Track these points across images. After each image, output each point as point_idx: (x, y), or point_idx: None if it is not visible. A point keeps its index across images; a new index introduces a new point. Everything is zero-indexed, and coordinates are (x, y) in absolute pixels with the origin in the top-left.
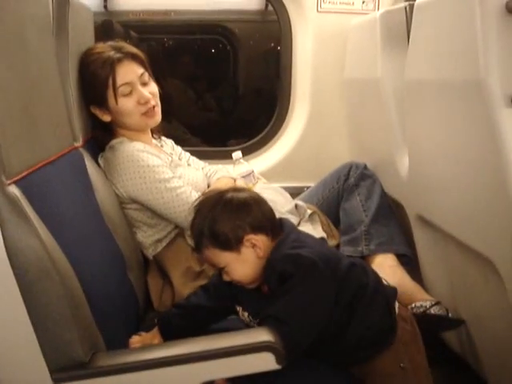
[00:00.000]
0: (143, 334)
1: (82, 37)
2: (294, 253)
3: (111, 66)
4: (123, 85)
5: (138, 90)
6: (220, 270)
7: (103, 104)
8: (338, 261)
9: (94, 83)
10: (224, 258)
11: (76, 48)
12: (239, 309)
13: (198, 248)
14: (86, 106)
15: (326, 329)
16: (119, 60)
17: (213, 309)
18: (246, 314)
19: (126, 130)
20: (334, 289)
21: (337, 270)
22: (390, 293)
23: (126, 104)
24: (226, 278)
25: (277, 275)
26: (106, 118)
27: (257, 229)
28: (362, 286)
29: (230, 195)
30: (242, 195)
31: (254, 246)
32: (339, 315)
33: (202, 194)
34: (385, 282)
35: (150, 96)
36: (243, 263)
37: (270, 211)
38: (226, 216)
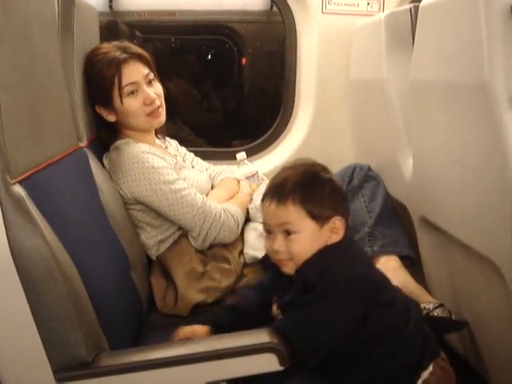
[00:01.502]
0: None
1: (87, 37)
2: (325, 269)
3: (117, 65)
4: (129, 85)
5: (143, 90)
6: (278, 236)
7: (108, 104)
8: (380, 290)
9: (100, 83)
10: (303, 223)
11: (81, 48)
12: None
13: (281, 197)
14: (91, 106)
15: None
16: (125, 60)
17: (263, 304)
18: (275, 307)
19: (130, 130)
20: (355, 314)
21: (371, 299)
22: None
23: (132, 104)
24: (279, 245)
25: (303, 280)
26: (111, 118)
27: (345, 215)
28: (392, 327)
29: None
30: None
31: (333, 229)
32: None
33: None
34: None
35: (155, 96)
36: (314, 239)
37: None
38: (333, 188)
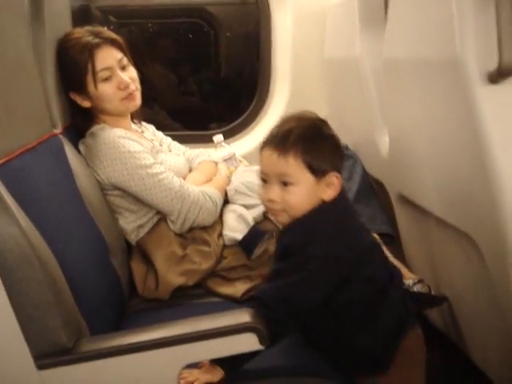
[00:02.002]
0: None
1: (58, 23)
2: (306, 241)
3: (90, 51)
4: (102, 70)
5: (117, 75)
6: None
7: (83, 90)
8: (360, 265)
9: (73, 69)
10: (302, 176)
11: (53, 34)
12: None
13: (284, 149)
14: (64, 93)
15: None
16: (98, 45)
17: None
18: None
19: (106, 115)
20: (331, 285)
21: (349, 272)
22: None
23: (106, 90)
24: (276, 196)
25: (283, 246)
26: (86, 103)
27: (339, 171)
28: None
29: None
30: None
31: (329, 184)
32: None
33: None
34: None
35: (129, 81)
36: (310, 193)
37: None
38: (330, 145)
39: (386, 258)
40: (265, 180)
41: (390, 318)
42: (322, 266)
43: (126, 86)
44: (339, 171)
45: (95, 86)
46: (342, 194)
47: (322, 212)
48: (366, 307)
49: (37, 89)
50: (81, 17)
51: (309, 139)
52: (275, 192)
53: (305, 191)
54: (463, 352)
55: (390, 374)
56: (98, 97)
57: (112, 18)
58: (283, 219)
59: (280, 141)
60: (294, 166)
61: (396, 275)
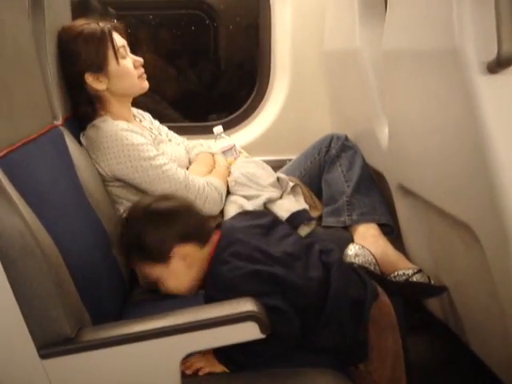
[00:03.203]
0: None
1: (58, 15)
2: (221, 278)
3: (108, 30)
4: (121, 47)
5: (129, 54)
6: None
7: (102, 68)
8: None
9: (91, 49)
10: (155, 270)
11: (53, 26)
12: None
13: (129, 262)
14: (65, 82)
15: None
16: (109, 28)
17: None
18: None
19: (115, 100)
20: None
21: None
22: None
23: (127, 64)
24: (161, 290)
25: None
26: (101, 85)
27: (185, 239)
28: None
29: (155, 205)
30: (167, 204)
31: (183, 257)
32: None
33: (132, 204)
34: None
35: (141, 59)
36: (175, 275)
37: (199, 218)
38: (152, 227)
39: (311, 251)
40: None
41: (343, 305)
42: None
43: (140, 64)
44: (183, 233)
45: (117, 62)
46: (222, 234)
47: (216, 264)
48: (310, 310)
49: (37, 80)
50: (80, 9)
51: (135, 240)
52: (161, 289)
53: (169, 278)
54: (463, 341)
55: None
56: (118, 73)
57: (111, 10)
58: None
59: (125, 256)
60: (143, 269)
61: (333, 263)
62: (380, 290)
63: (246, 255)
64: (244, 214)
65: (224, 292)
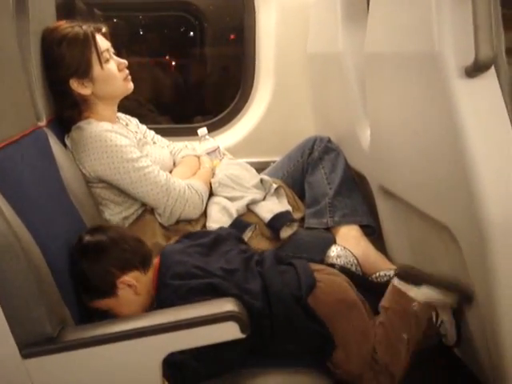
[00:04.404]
0: None
1: (43, 15)
2: (167, 302)
3: (92, 34)
4: (104, 51)
5: (114, 57)
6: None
7: (86, 74)
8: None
9: (76, 54)
10: (106, 304)
11: (37, 27)
12: None
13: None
14: (49, 85)
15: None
16: (94, 31)
17: None
18: None
19: (100, 103)
20: None
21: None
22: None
23: (111, 68)
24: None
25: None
26: (86, 90)
27: (125, 268)
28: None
29: (85, 241)
30: (99, 238)
31: (129, 286)
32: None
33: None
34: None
35: (126, 62)
36: (126, 304)
37: (134, 244)
38: (89, 266)
39: (249, 264)
40: None
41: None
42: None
43: (124, 67)
44: (122, 263)
45: (101, 67)
46: (161, 259)
47: (160, 288)
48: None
49: (21, 81)
50: (65, 10)
51: (80, 286)
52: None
53: (121, 308)
54: (442, 340)
55: None
56: (103, 78)
57: (97, 11)
58: None
59: None
60: (98, 306)
61: (266, 271)
62: (318, 277)
63: (185, 273)
64: (186, 236)
65: None
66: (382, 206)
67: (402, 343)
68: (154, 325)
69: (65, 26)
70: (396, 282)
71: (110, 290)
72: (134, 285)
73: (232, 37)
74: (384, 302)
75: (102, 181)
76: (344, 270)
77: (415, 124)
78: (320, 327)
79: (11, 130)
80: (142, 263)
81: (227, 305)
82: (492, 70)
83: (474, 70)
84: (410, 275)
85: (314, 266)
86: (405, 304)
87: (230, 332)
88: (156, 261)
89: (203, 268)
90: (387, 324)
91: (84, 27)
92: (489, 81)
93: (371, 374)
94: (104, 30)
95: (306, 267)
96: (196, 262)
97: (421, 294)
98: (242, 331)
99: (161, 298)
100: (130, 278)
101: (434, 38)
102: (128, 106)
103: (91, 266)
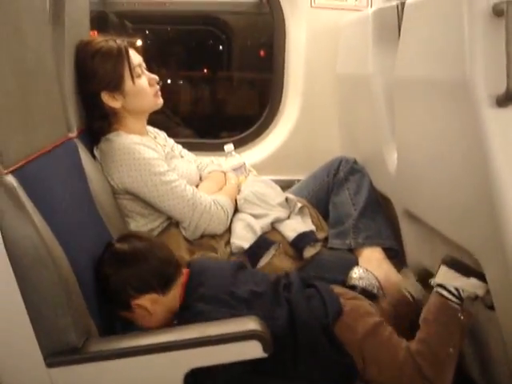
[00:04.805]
0: None
1: (77, 27)
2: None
3: (125, 49)
4: (136, 66)
5: (145, 72)
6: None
7: (118, 88)
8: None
9: (109, 68)
10: (125, 315)
11: (72, 39)
12: None
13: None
14: (81, 97)
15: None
16: (127, 45)
17: None
18: None
19: (129, 116)
20: None
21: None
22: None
23: (142, 84)
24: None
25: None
26: (117, 103)
27: (142, 290)
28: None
29: (112, 249)
30: (124, 248)
31: (143, 307)
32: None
33: None
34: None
35: (157, 77)
36: (142, 319)
37: (160, 264)
38: (109, 276)
39: (277, 288)
40: None
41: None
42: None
43: (155, 82)
44: (140, 284)
45: (133, 82)
46: (190, 276)
47: (184, 309)
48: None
49: (55, 92)
50: (98, 22)
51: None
52: None
53: (142, 321)
54: (461, 365)
55: None
56: (134, 92)
57: (128, 23)
58: None
59: None
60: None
61: (293, 296)
62: (343, 302)
63: (212, 297)
64: None
65: None
66: (406, 230)
67: (450, 358)
68: (177, 340)
69: (99, 39)
70: (444, 269)
71: (126, 306)
72: (147, 307)
73: (261, 53)
74: (426, 314)
75: (129, 193)
76: (365, 292)
77: (443, 150)
78: (344, 356)
79: (45, 140)
80: (163, 285)
81: (251, 323)
82: None
83: (505, 100)
84: (459, 263)
85: (337, 289)
86: (451, 314)
87: (252, 351)
88: (184, 278)
89: (232, 292)
90: (432, 338)
91: (118, 42)
92: None
93: None
94: (136, 44)
95: (331, 292)
96: (225, 282)
97: (470, 284)
98: (265, 350)
99: (182, 317)
100: (145, 300)
101: (465, 65)
102: (155, 117)
103: (111, 276)
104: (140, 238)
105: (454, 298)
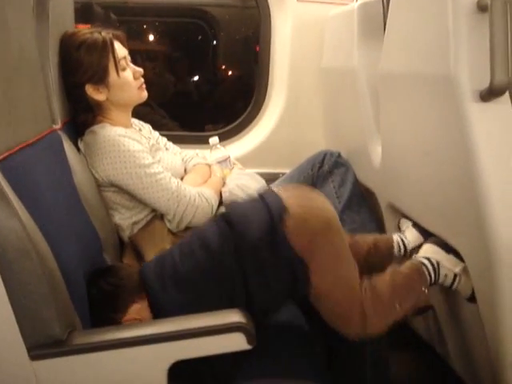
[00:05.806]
0: None
1: (62, 19)
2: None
3: (110, 41)
4: (121, 59)
5: (130, 65)
6: None
7: (102, 81)
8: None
9: (94, 60)
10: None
11: (56, 30)
12: None
13: None
14: (65, 89)
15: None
16: (112, 38)
17: None
18: None
19: (114, 109)
20: None
21: None
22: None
23: (127, 77)
24: None
25: None
26: (101, 96)
27: (124, 309)
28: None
29: (92, 290)
30: (97, 289)
31: (133, 319)
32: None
33: None
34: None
35: (142, 70)
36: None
37: (127, 283)
38: (94, 314)
39: None
40: None
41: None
42: None
43: (140, 75)
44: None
45: (118, 74)
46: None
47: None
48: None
49: (39, 84)
50: (83, 13)
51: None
52: None
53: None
54: (444, 359)
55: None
56: (118, 85)
57: (113, 15)
58: None
59: None
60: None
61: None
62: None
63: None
64: None
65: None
66: (390, 223)
67: (391, 311)
68: (161, 332)
69: (84, 31)
70: (426, 245)
71: (118, 323)
72: (136, 318)
73: (247, 46)
74: (400, 266)
75: (113, 185)
76: None
77: (427, 144)
78: (293, 263)
79: (29, 132)
80: (137, 295)
81: (235, 316)
82: (506, 94)
83: (489, 95)
84: (440, 241)
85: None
86: (419, 280)
87: (236, 343)
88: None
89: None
90: (389, 283)
91: (103, 34)
92: (503, 105)
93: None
94: (122, 36)
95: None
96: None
97: (449, 260)
98: (249, 342)
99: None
100: (131, 313)
101: (449, 60)
102: (140, 110)
103: (96, 315)
104: (109, 272)
105: (430, 268)
